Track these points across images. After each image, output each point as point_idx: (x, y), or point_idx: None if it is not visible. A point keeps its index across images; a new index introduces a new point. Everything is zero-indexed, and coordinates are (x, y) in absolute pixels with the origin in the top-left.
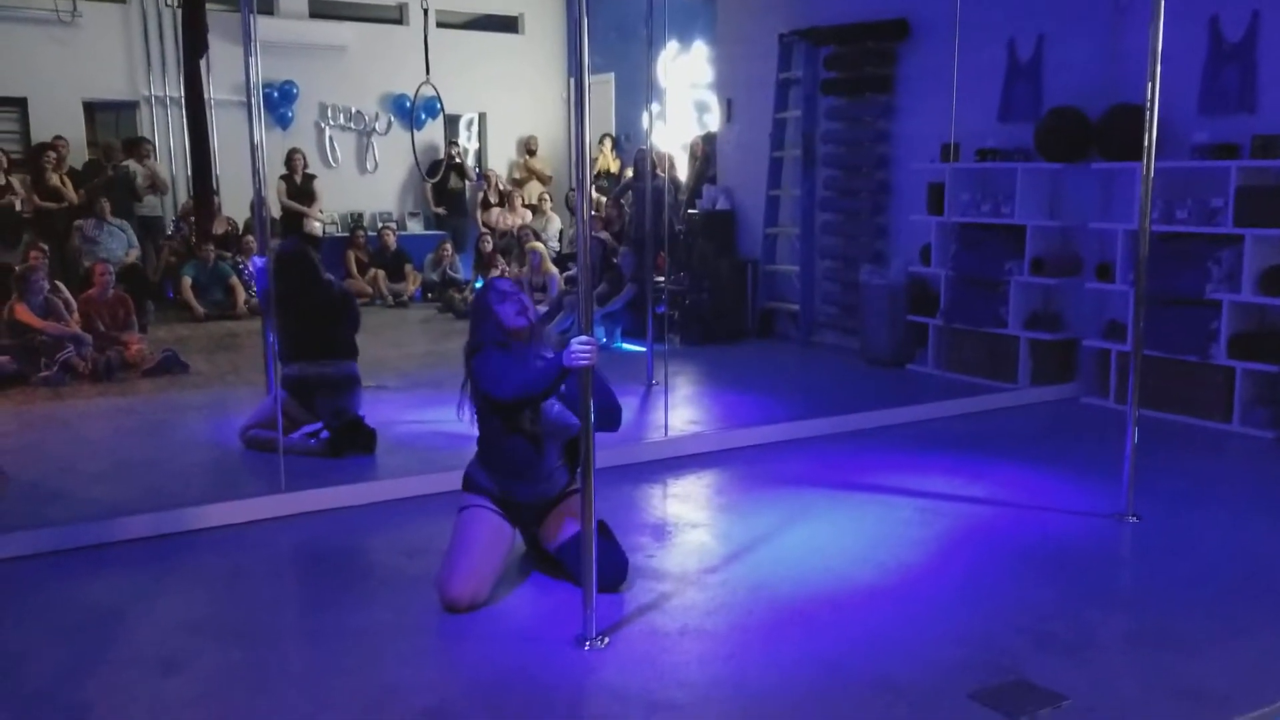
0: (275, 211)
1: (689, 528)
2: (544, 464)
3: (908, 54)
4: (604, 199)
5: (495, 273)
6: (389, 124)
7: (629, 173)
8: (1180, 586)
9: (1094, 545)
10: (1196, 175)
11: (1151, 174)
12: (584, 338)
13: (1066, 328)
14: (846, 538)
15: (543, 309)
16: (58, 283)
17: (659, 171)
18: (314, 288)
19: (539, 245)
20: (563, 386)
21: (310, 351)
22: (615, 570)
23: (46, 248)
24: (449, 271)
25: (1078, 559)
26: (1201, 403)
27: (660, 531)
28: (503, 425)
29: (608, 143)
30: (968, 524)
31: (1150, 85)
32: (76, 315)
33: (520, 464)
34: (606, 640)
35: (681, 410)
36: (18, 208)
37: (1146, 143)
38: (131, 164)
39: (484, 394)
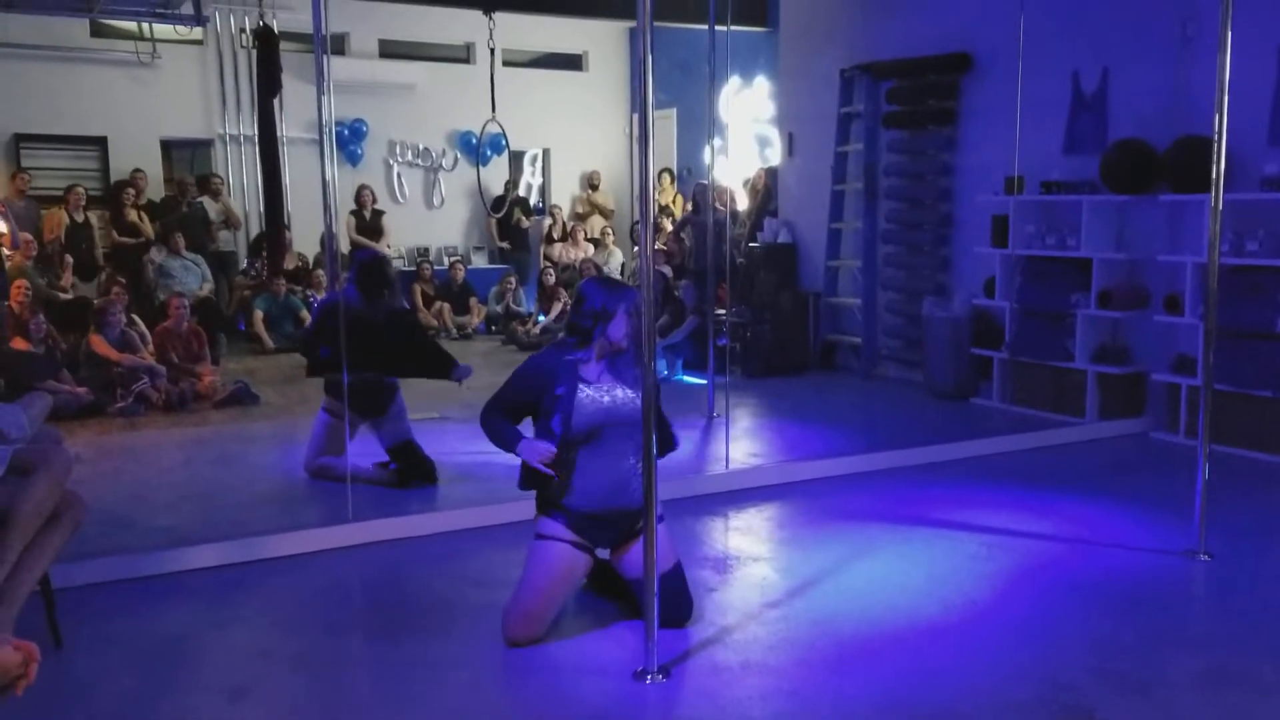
0: (344, 246)
1: (751, 561)
2: (617, 472)
3: (970, 87)
4: (667, 230)
5: (558, 307)
6: (455, 160)
7: (689, 207)
8: (1252, 626)
9: (1164, 583)
10: (1267, 207)
11: (1220, 206)
12: (550, 451)
13: (1134, 361)
14: (910, 573)
15: None
16: (133, 315)
17: (719, 205)
18: (383, 297)
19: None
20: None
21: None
22: (681, 611)
23: (125, 282)
24: (512, 305)
25: (1148, 597)
26: (1274, 438)
27: (722, 565)
28: (564, 439)
29: (665, 178)
30: (1034, 560)
31: (1218, 116)
32: (151, 347)
33: (590, 479)
34: (668, 674)
35: (743, 443)
36: (96, 243)
37: (1215, 174)
38: (205, 200)
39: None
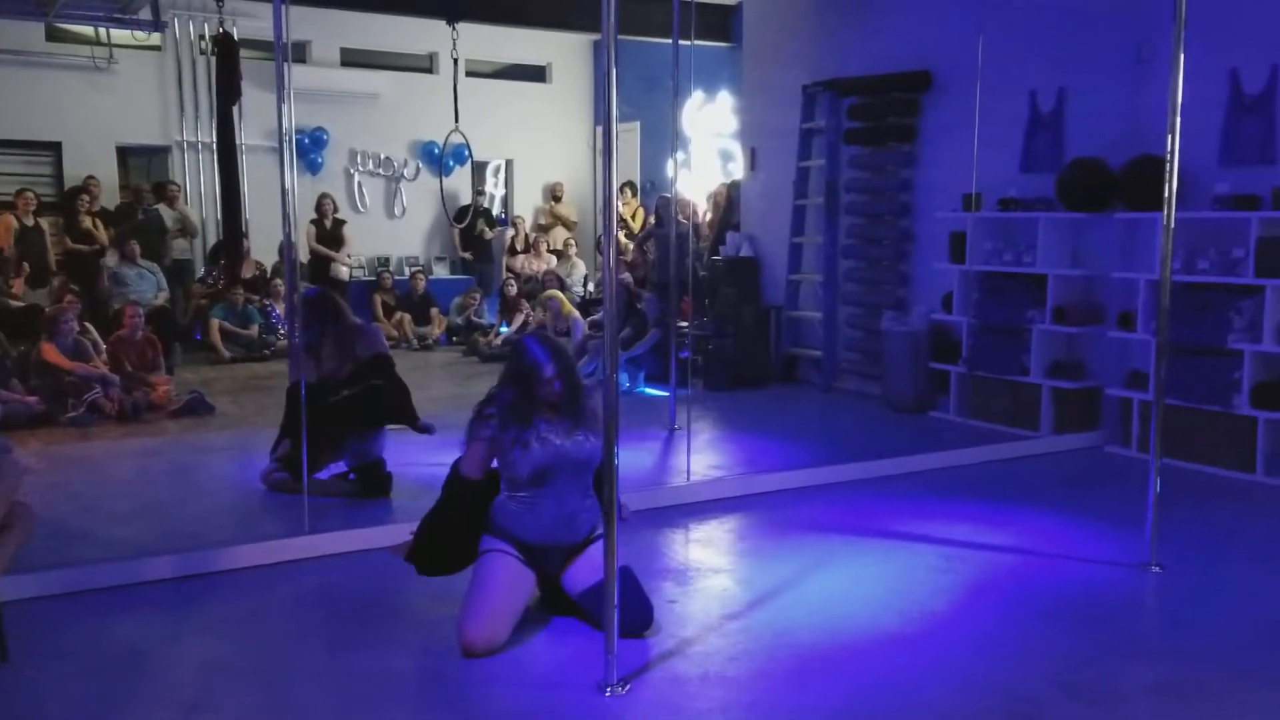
0: (304, 256)
1: (711, 573)
2: (563, 510)
3: (930, 104)
4: (629, 244)
5: (519, 318)
6: (417, 170)
7: (651, 220)
8: (1205, 637)
9: (1118, 595)
10: (1218, 226)
11: (1173, 224)
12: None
13: (1089, 376)
14: (869, 585)
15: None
16: (86, 324)
17: (682, 218)
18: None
19: (556, 293)
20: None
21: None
22: (640, 617)
23: (78, 289)
24: (473, 317)
25: (1102, 608)
26: (1224, 452)
27: (682, 577)
28: (512, 479)
29: (628, 191)
30: (991, 572)
31: (1171, 136)
32: (105, 356)
33: (539, 513)
34: (628, 686)
35: (704, 455)
36: (48, 249)
37: (1167, 193)
38: (162, 207)
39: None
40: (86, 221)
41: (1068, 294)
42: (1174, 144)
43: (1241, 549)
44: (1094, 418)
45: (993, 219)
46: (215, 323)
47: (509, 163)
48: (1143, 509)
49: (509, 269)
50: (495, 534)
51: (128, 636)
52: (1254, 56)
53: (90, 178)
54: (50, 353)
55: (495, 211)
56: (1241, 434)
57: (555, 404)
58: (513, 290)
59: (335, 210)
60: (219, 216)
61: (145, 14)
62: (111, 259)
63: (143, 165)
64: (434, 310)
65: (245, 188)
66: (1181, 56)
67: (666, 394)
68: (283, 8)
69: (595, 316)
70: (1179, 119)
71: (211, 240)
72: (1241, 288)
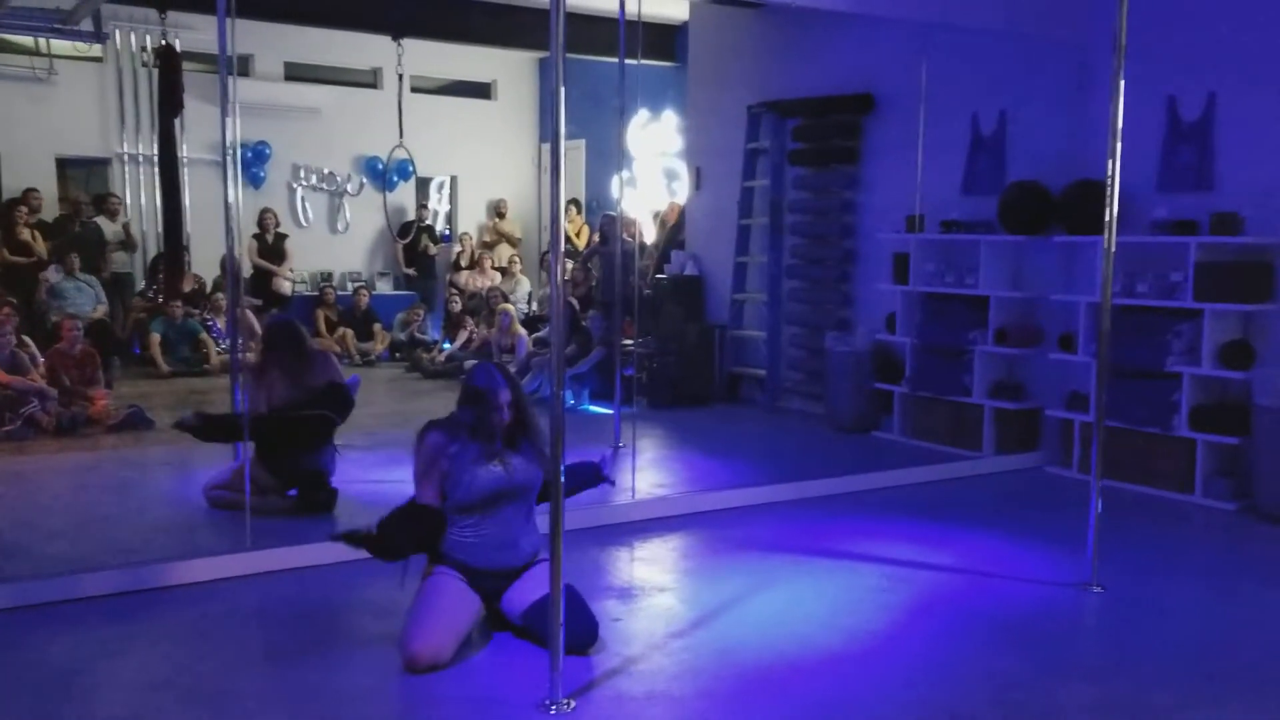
0: (246, 270)
1: (656, 591)
2: (508, 533)
3: (873, 127)
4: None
5: (464, 335)
6: (361, 185)
7: (596, 238)
8: (1145, 657)
9: (1059, 615)
10: (1156, 250)
11: (1113, 248)
12: None
13: (1029, 397)
14: (812, 603)
15: (511, 368)
16: (24, 337)
17: (626, 236)
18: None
19: (509, 307)
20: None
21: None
22: (586, 631)
23: (15, 301)
24: (417, 333)
25: (1043, 628)
26: (1163, 474)
27: (627, 595)
28: (460, 503)
29: (573, 208)
30: (933, 591)
31: (1111, 162)
32: (42, 369)
33: (484, 537)
34: (572, 704)
35: (648, 473)
36: None
37: (1108, 218)
38: (102, 220)
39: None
40: (25, 233)
41: (1009, 316)
42: (1114, 169)
43: (1181, 569)
44: (1035, 438)
45: (935, 240)
46: (155, 336)
47: (453, 179)
48: (1083, 529)
49: (453, 285)
50: (441, 560)
51: (65, 654)
52: (1192, 85)
53: (31, 189)
54: None
55: (439, 228)
56: (1181, 455)
57: (507, 430)
58: (457, 307)
59: (277, 225)
60: (159, 230)
61: (87, 25)
62: (54, 274)
63: (82, 177)
64: (377, 326)
65: (186, 201)
66: (1122, 82)
67: (611, 412)
68: (226, 21)
69: (540, 333)
70: (1119, 144)
71: (152, 254)
72: (1180, 311)
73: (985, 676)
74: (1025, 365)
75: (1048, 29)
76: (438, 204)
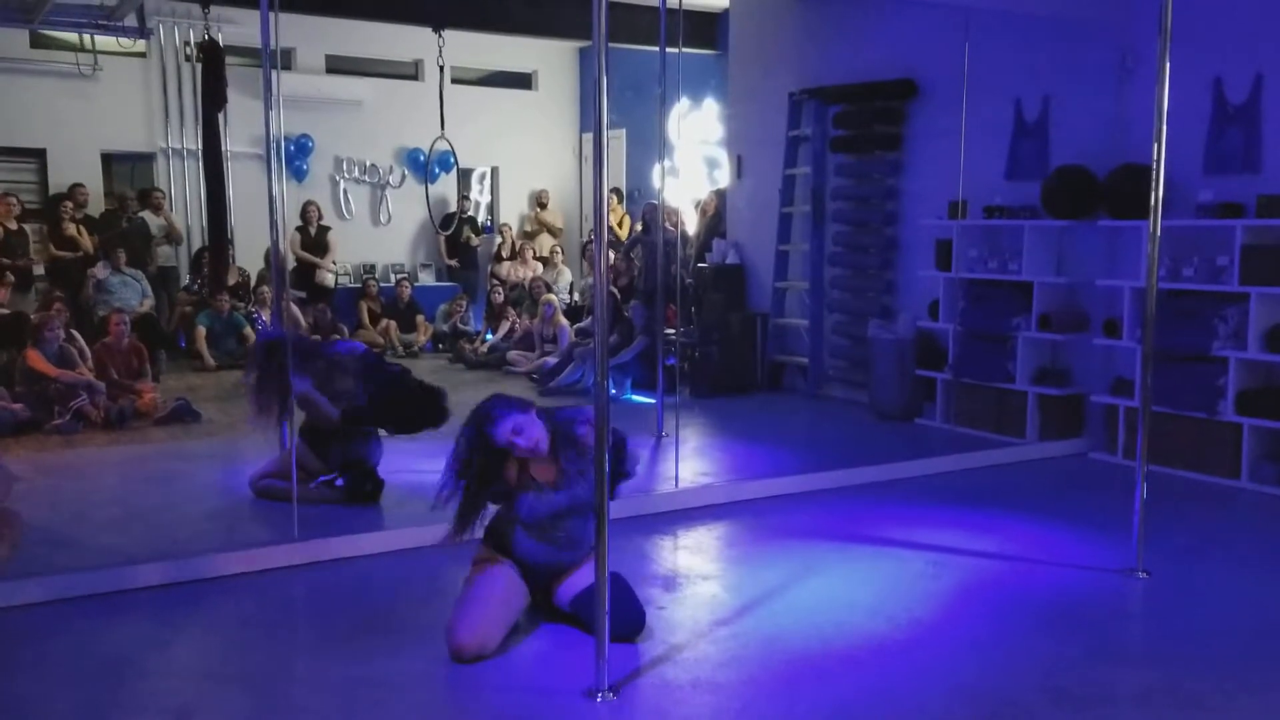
0: (289, 262)
1: (700, 580)
2: (571, 536)
3: (916, 113)
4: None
5: (505, 325)
6: (403, 177)
7: (638, 227)
8: (1191, 643)
9: (1104, 601)
10: (1202, 234)
11: (1158, 232)
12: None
13: (1074, 383)
14: (857, 591)
15: (553, 360)
16: (72, 331)
17: (668, 225)
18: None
19: (553, 297)
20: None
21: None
22: (632, 621)
23: (64, 296)
24: (459, 324)
25: (1089, 614)
26: (1209, 459)
27: (671, 583)
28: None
29: (613, 198)
30: (978, 578)
31: (1156, 145)
32: (90, 363)
33: (549, 540)
34: (618, 692)
35: (691, 462)
36: (31, 257)
37: (1153, 201)
38: (147, 214)
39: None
40: (71, 229)
41: (1053, 301)
42: (1160, 152)
43: (1227, 554)
44: (1079, 425)
45: (978, 226)
46: (200, 330)
47: (494, 170)
48: (1128, 515)
49: (495, 276)
50: (494, 547)
51: (116, 644)
52: (1238, 66)
53: (77, 185)
54: (35, 360)
55: (481, 219)
56: (1226, 440)
57: (552, 458)
58: (499, 298)
59: (320, 217)
60: (204, 223)
61: (131, 21)
62: (101, 270)
63: (127, 172)
64: (419, 317)
65: (230, 195)
66: (1168, 66)
67: (654, 401)
68: (269, 15)
69: (582, 324)
70: (1165, 127)
71: (196, 247)
72: (1226, 295)
73: (1031, 663)
74: (1069, 351)
75: (1090, 12)
76: (479, 195)
